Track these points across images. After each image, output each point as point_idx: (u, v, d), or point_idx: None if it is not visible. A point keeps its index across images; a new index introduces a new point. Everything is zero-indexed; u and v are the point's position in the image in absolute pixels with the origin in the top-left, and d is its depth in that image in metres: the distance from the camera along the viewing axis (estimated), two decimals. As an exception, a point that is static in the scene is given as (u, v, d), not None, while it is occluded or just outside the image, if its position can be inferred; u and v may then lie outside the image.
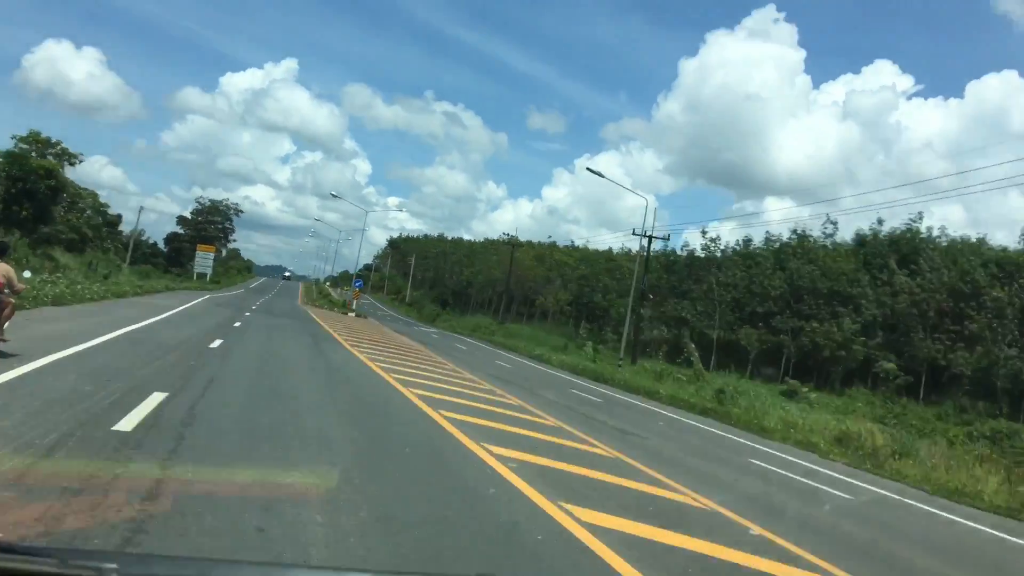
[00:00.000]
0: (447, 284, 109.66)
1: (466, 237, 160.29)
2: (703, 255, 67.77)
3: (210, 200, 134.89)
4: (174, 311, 27.21)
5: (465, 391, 16.04)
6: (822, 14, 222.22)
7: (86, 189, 51.14)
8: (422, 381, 16.12)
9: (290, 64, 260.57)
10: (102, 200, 58.27)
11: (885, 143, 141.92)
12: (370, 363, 18.54)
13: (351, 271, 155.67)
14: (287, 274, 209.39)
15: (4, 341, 10.31)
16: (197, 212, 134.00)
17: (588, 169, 34.39)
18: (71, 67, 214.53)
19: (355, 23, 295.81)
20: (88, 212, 52.11)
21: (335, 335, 28.91)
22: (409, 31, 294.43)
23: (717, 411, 23.52)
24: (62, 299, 21.22)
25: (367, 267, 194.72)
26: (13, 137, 46.86)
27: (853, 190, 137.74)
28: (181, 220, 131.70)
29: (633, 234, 47.03)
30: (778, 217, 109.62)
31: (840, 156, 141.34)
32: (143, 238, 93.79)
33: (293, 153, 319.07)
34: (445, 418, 11.09)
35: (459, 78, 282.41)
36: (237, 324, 25.96)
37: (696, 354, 30.95)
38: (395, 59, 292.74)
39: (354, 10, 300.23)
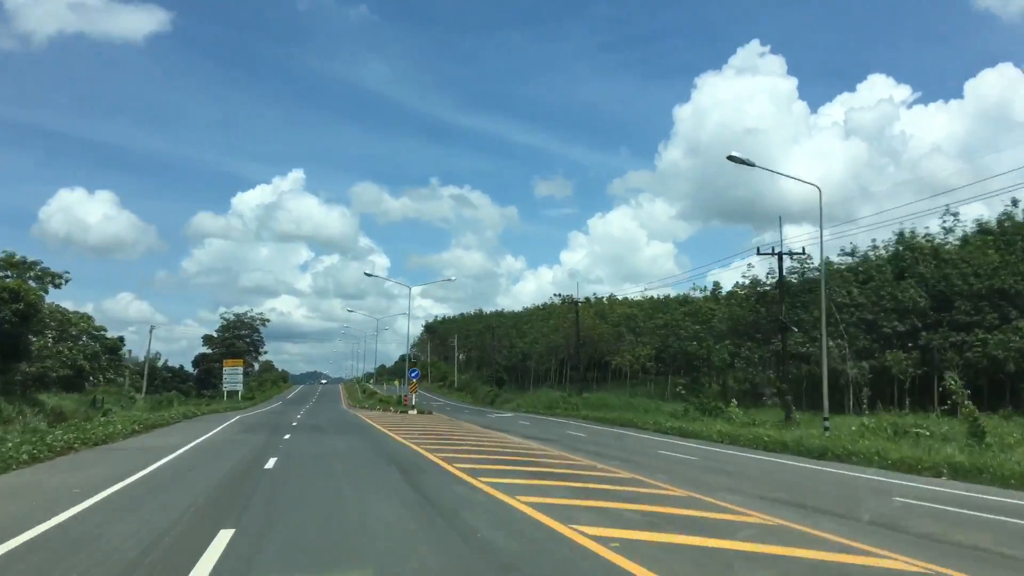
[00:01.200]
0: (498, 361, 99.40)
1: (505, 310, 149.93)
2: (792, 279, 56.17)
3: (234, 314, 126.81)
4: (169, 458, 17.19)
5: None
6: (806, 40, 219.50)
7: (76, 312, 41.80)
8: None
9: (296, 175, 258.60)
10: (101, 324, 48.45)
11: (893, 154, 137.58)
12: (548, 519, 8.31)
13: (387, 365, 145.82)
14: (324, 380, 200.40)
15: None
16: (223, 329, 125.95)
17: (730, 157, 24.54)
18: (86, 212, 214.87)
19: (354, 124, 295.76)
20: (84, 339, 42.68)
21: (422, 451, 18.72)
22: (406, 124, 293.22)
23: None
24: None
25: (403, 358, 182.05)
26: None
27: (870, 205, 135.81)
28: (207, 339, 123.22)
29: (758, 253, 36.86)
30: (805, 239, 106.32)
31: (850, 174, 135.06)
32: (159, 363, 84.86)
33: (311, 259, 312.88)
34: None
35: (461, 160, 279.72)
36: (271, 464, 15.85)
37: (966, 394, 20.26)
38: (396, 152, 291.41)
39: (352, 113, 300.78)
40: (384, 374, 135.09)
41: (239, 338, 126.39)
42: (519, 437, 26.44)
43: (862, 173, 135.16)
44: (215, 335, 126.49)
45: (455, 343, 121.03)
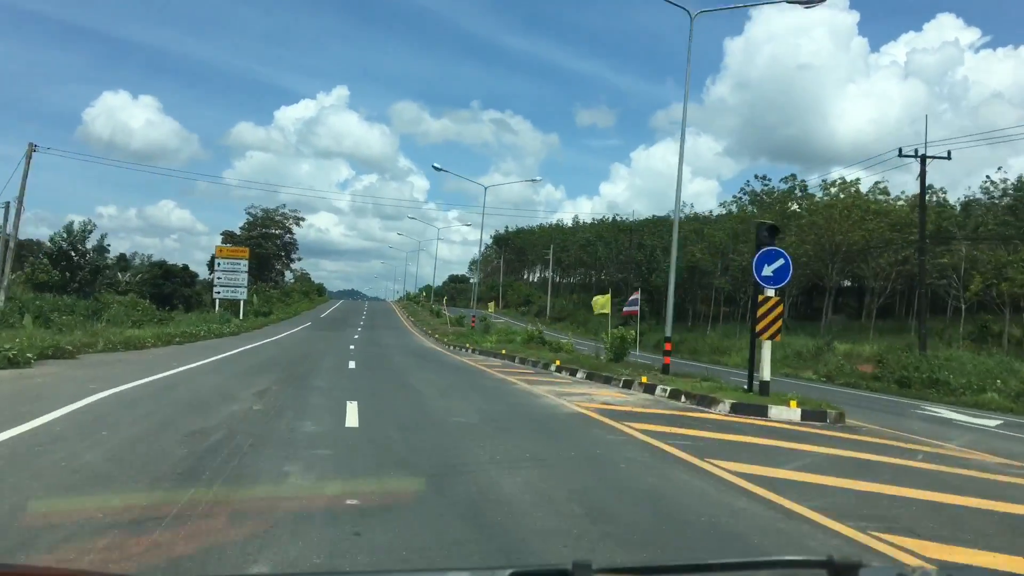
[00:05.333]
0: (634, 284, 67.94)
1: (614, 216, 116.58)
2: None
3: (262, 210, 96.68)
4: None
5: None
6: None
7: None
8: None
9: (341, 91, 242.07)
10: None
11: (953, 99, 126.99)
12: None
13: (432, 285, 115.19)
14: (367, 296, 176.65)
15: None
16: (249, 226, 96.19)
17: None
18: (130, 116, 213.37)
19: (399, 40, 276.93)
20: None
21: None
22: (452, 42, 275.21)
23: None
24: None
25: (453, 279, 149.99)
26: None
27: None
28: (228, 237, 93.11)
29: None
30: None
31: (907, 118, 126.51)
32: (96, 243, 54.79)
33: (351, 178, 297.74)
34: None
35: (503, 84, 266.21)
36: None
37: None
38: (438, 72, 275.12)
39: (398, 28, 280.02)
40: (431, 294, 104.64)
41: (267, 238, 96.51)
42: None
43: (919, 118, 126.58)
44: (238, 232, 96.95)
45: (550, 255, 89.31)
